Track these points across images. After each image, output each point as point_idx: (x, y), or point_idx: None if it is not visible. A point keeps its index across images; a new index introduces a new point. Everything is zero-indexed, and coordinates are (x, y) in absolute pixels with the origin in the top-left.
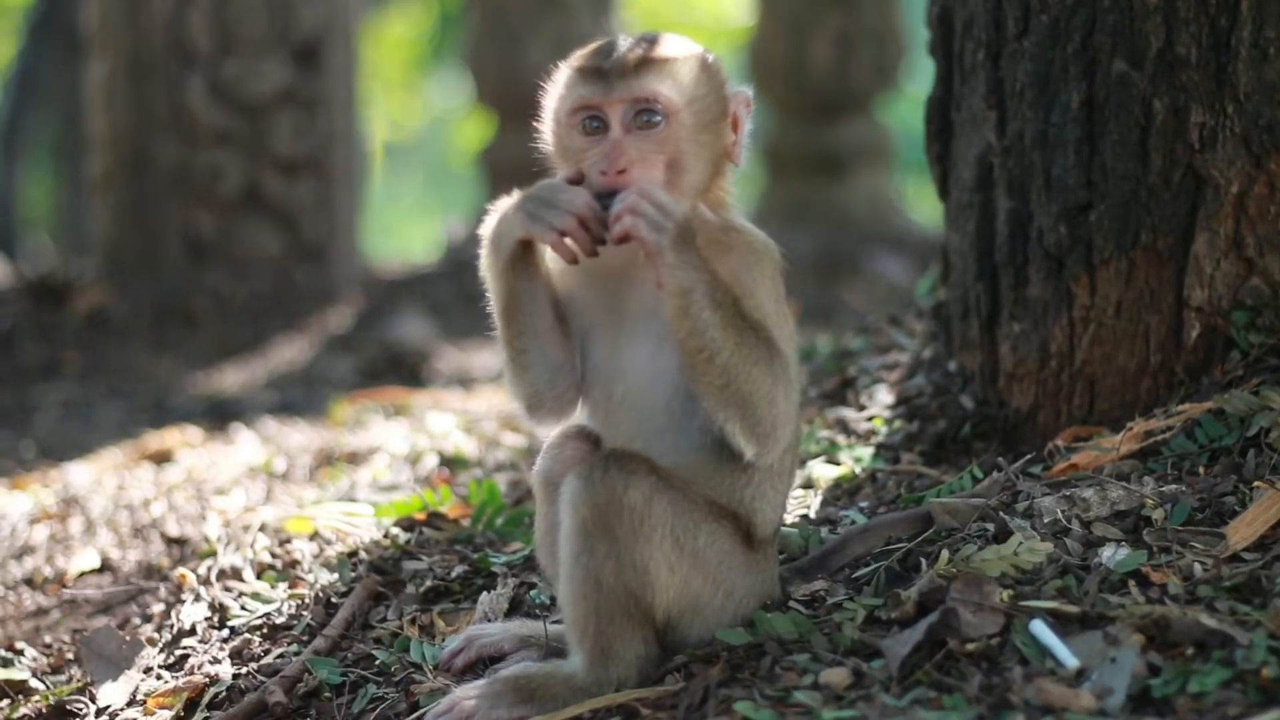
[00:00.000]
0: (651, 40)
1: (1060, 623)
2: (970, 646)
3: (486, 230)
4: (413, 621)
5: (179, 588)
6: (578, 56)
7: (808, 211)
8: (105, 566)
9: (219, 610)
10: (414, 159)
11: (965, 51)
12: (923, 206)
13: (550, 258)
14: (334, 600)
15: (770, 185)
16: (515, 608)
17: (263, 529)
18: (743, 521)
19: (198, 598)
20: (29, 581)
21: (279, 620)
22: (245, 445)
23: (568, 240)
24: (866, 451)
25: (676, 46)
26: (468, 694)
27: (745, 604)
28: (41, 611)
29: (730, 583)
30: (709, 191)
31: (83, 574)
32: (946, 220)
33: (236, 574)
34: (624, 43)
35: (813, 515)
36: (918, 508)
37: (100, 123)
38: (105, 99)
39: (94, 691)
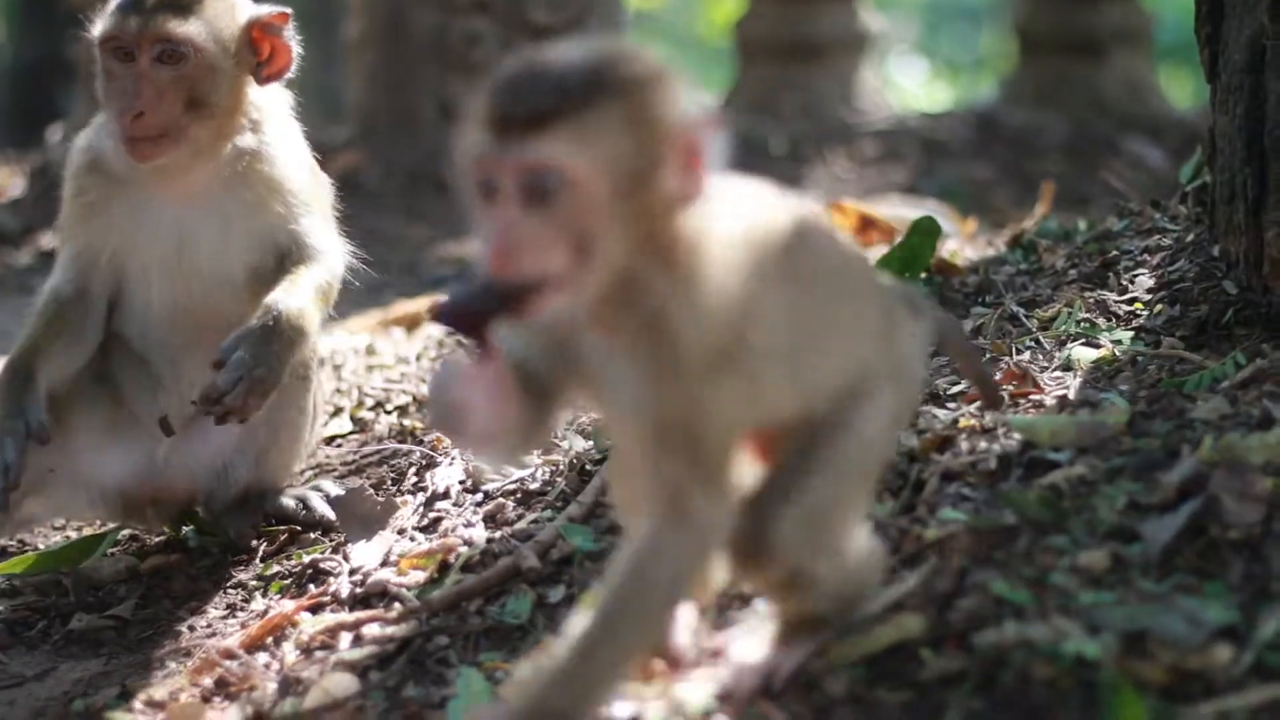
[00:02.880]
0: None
1: None
2: (1232, 534)
3: None
4: None
5: (432, 451)
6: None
7: (1060, 93)
8: (358, 428)
9: (472, 474)
10: (664, 29)
11: None
12: (1177, 93)
13: None
14: (588, 467)
15: (1021, 65)
16: None
17: None
18: None
19: (452, 461)
20: None
21: (532, 486)
22: None
23: None
24: (1126, 334)
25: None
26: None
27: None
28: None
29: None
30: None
31: (334, 438)
32: (1214, 103)
33: None
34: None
35: (1072, 396)
36: None
37: None
38: None
39: (347, 551)
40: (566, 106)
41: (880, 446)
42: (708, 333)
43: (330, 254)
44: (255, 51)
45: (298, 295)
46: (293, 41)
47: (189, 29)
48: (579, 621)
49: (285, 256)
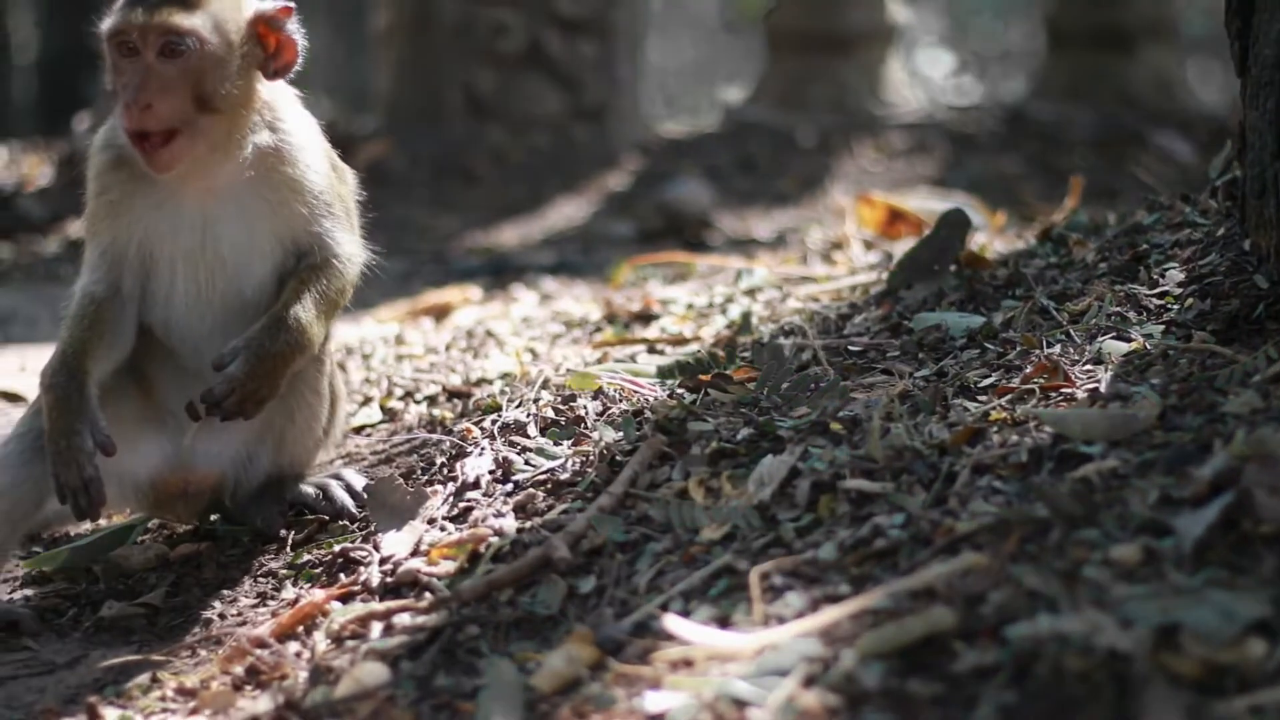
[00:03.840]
0: None
1: None
2: (1265, 529)
3: None
4: (700, 483)
5: (462, 441)
6: None
7: (1090, 86)
8: (387, 418)
9: (503, 465)
10: (690, 19)
11: None
12: (1205, 87)
13: None
14: (619, 459)
15: (1049, 58)
16: (792, 476)
17: (546, 385)
18: None
19: (482, 451)
20: None
21: (563, 476)
22: (525, 303)
23: None
24: (1157, 328)
25: None
26: None
27: None
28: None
29: None
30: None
31: (363, 427)
32: (1244, 97)
33: (520, 429)
34: None
35: (1103, 390)
36: None
37: None
38: None
39: (377, 540)
40: None
41: None
42: None
43: (348, 261)
44: (262, 46)
45: (304, 307)
46: (298, 35)
47: (193, 21)
48: None
49: (305, 255)
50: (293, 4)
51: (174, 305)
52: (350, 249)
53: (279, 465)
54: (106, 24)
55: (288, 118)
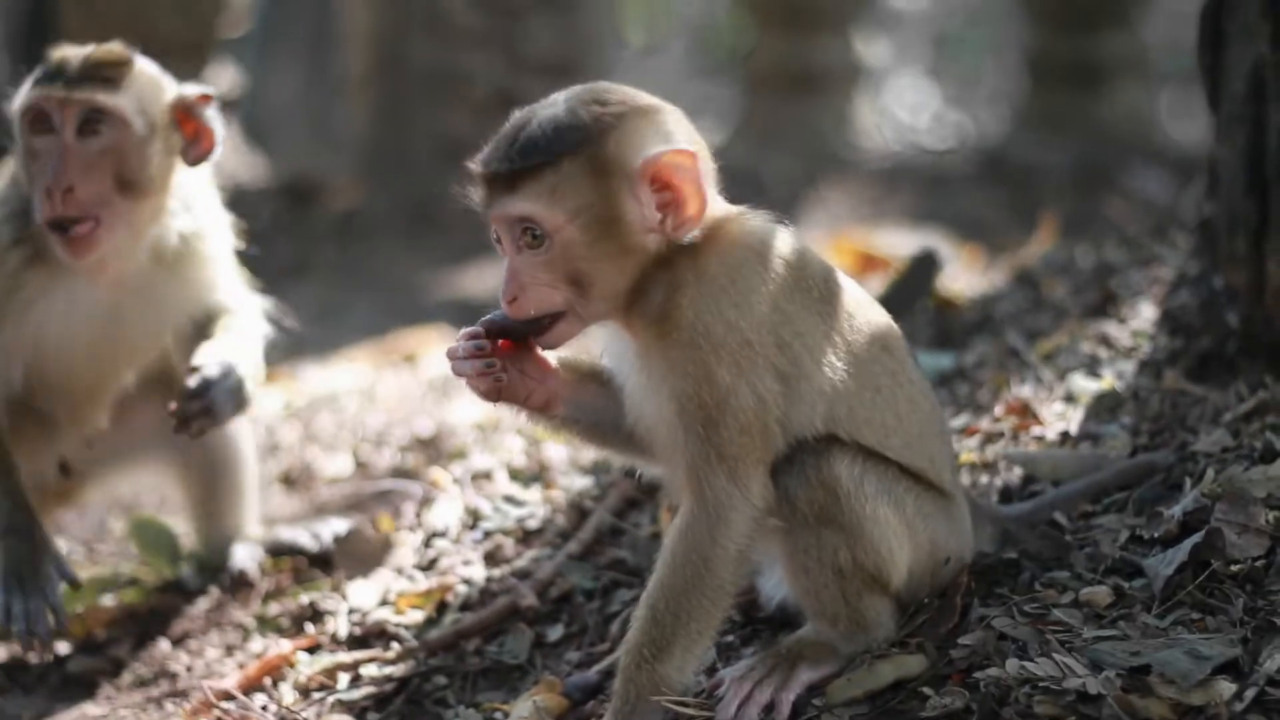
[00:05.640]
0: None
1: None
2: (1235, 568)
3: None
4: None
5: (430, 489)
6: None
7: (1066, 123)
8: (357, 466)
9: (471, 512)
10: (664, 63)
11: None
12: (1179, 123)
13: None
14: (587, 505)
15: (1028, 96)
16: None
17: (516, 433)
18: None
19: (451, 499)
20: (284, 479)
21: (531, 524)
22: None
23: None
24: (1128, 366)
25: None
26: (749, 676)
27: (954, 550)
28: (295, 509)
29: (939, 535)
30: None
31: (334, 480)
32: (1215, 133)
33: (489, 476)
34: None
35: (1074, 431)
36: (1143, 457)
37: (356, 22)
38: None
39: (345, 590)
40: (534, 166)
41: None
42: (715, 320)
43: (255, 308)
44: (181, 132)
45: (245, 336)
46: (217, 124)
47: (117, 100)
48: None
49: (214, 316)
50: (212, 91)
51: (65, 381)
52: (255, 300)
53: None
54: (20, 99)
55: (202, 204)
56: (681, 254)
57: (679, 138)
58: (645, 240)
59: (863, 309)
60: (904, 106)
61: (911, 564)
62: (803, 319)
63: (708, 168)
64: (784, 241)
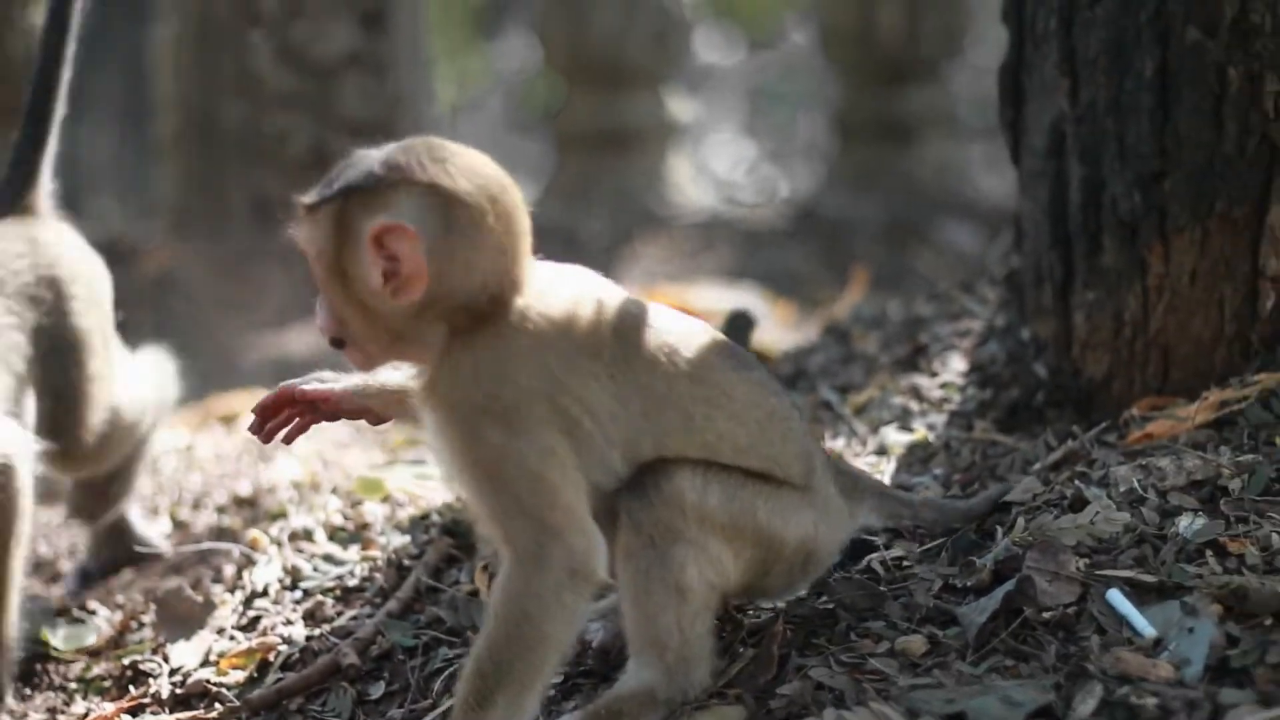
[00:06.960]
0: None
1: (1137, 592)
2: (1047, 615)
3: None
4: (488, 584)
5: (251, 549)
6: None
7: (876, 178)
8: (176, 527)
9: (291, 572)
10: (480, 120)
11: (1037, 18)
12: (988, 175)
13: None
14: (406, 563)
15: (839, 152)
16: None
17: (334, 491)
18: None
19: (270, 559)
20: None
21: (351, 583)
22: None
23: None
24: (940, 418)
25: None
26: None
27: (822, 540)
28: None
29: (796, 526)
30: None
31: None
32: (1019, 187)
33: (308, 535)
34: None
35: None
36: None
37: (167, 85)
38: (172, 61)
39: (166, 652)
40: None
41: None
42: (473, 390)
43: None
44: None
45: None
46: None
47: None
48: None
49: None
50: None
51: None
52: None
53: None
54: None
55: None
56: (479, 323)
57: (432, 216)
58: (380, 301)
59: (669, 352)
60: (722, 162)
61: (763, 563)
62: (581, 384)
63: (458, 245)
64: (576, 305)
